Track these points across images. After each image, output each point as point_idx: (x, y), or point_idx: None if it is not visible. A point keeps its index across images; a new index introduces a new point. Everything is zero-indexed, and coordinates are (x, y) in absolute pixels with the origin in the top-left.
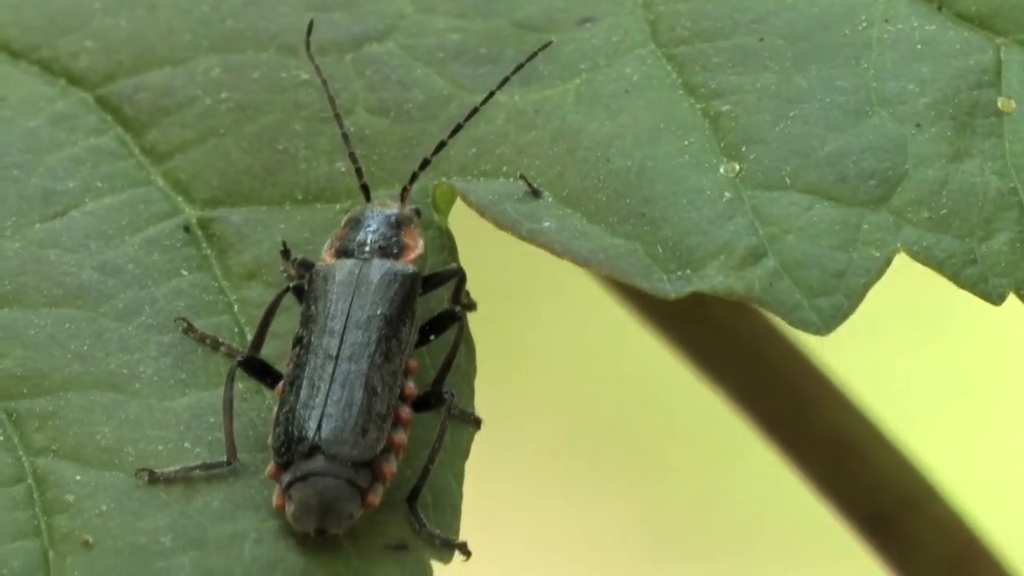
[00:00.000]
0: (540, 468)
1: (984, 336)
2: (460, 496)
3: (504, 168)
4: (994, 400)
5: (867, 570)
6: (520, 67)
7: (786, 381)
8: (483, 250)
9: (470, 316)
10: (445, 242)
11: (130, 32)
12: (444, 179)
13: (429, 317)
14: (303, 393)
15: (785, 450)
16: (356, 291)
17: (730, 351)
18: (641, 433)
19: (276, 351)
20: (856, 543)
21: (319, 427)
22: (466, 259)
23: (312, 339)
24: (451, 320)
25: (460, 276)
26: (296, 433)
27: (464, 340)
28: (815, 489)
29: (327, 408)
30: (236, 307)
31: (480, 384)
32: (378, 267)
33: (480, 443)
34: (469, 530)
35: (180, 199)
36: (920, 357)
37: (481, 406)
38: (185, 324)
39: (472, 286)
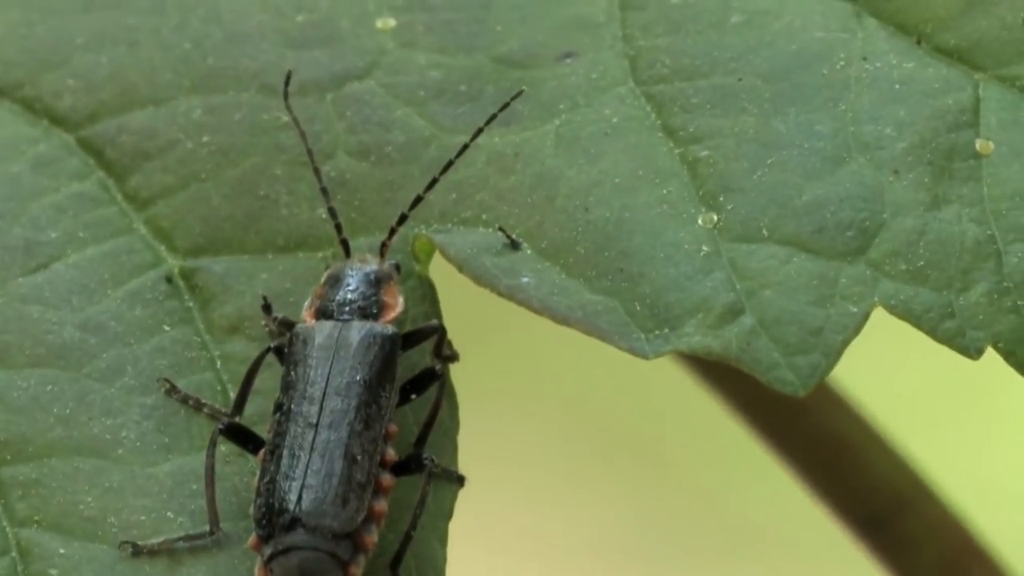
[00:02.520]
0: (538, 469)
1: None
2: (444, 559)
3: (483, 216)
4: (990, 402)
5: (863, 570)
6: (494, 116)
7: None
8: None
9: (468, 321)
10: (426, 292)
11: (112, 70)
12: (424, 227)
13: (411, 374)
14: (283, 463)
15: (782, 452)
16: (335, 355)
17: None
18: (639, 436)
19: (259, 409)
20: (852, 544)
21: (299, 499)
22: (456, 273)
23: (292, 406)
24: (432, 379)
25: (441, 332)
26: (276, 505)
27: (446, 396)
28: (812, 490)
29: (307, 479)
30: (219, 363)
31: (480, 385)
32: (357, 330)
33: (479, 444)
34: (470, 530)
35: (162, 248)
36: (916, 359)
37: (481, 406)
38: (168, 385)
39: (471, 288)
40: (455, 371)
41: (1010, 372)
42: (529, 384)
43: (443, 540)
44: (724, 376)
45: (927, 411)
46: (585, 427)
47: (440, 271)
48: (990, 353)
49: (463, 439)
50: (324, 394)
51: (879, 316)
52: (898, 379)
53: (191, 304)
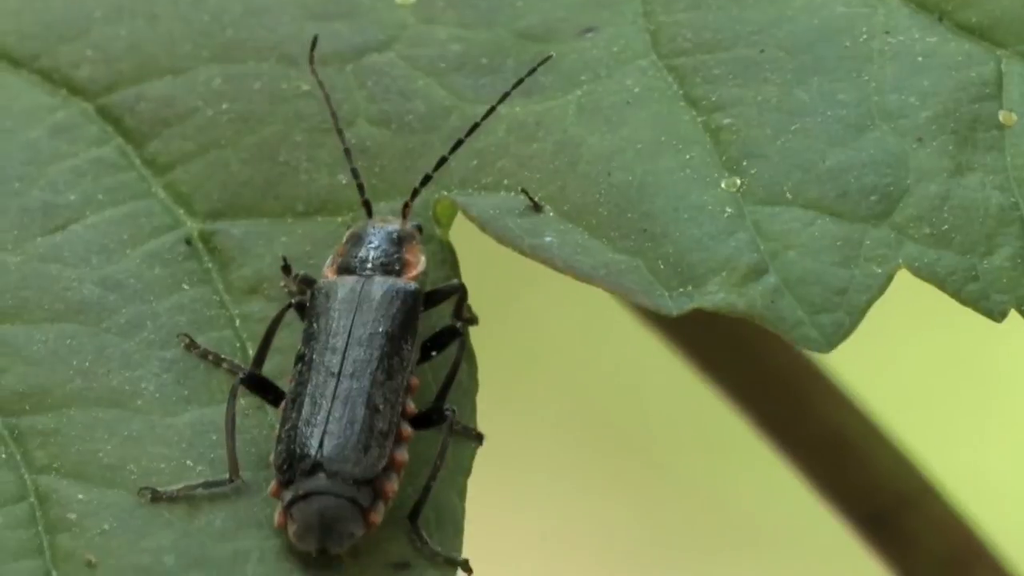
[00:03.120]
0: (538, 468)
1: (983, 334)
2: (462, 513)
3: (505, 181)
4: (992, 398)
5: (866, 569)
6: (520, 82)
7: (785, 380)
8: (486, 251)
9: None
10: (447, 256)
11: (131, 42)
12: (445, 193)
13: (431, 333)
14: (305, 411)
15: (784, 449)
16: (358, 308)
17: (729, 350)
18: (640, 433)
19: (278, 367)
20: (855, 542)
21: (321, 444)
22: (470, 260)
23: (314, 356)
24: (453, 336)
25: (462, 292)
26: (298, 451)
27: (466, 356)
28: (814, 488)
29: (329, 426)
30: (238, 322)
31: (481, 386)
32: (380, 284)
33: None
34: (469, 530)
35: (181, 212)
36: (919, 355)
37: (482, 407)
38: (187, 340)
39: (475, 287)
40: None
41: (1014, 369)
42: (529, 384)
43: (462, 495)
44: (727, 372)
45: (930, 408)
46: (585, 425)
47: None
48: (994, 350)
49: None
50: (347, 344)
51: (882, 314)
52: (901, 376)
53: (210, 265)
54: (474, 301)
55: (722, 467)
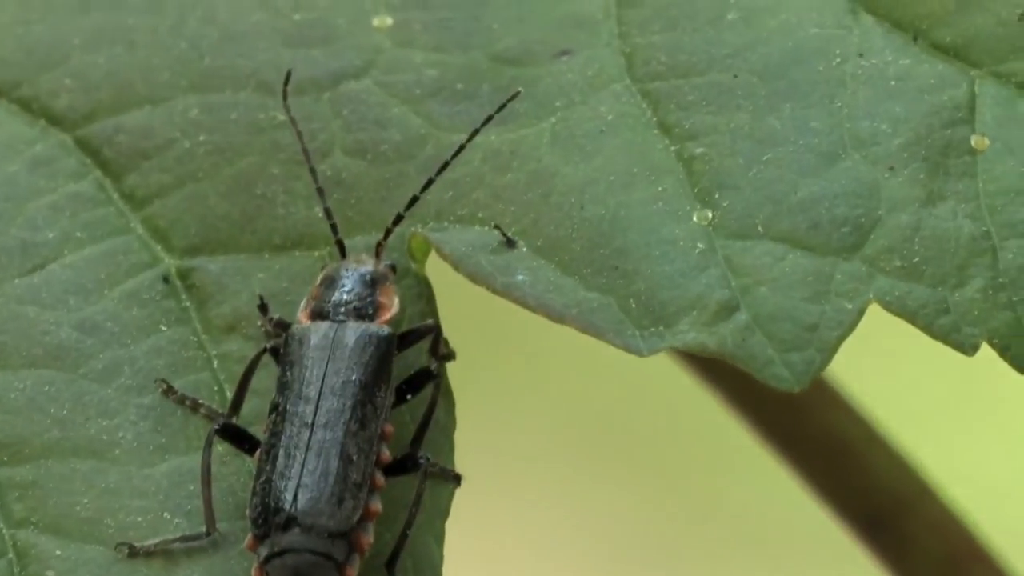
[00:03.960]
0: (535, 469)
1: None
2: (440, 558)
3: (480, 214)
4: (990, 401)
5: (864, 571)
6: (490, 117)
7: None
8: None
9: (469, 324)
10: (423, 291)
11: (109, 69)
12: (420, 226)
13: (407, 374)
14: (279, 463)
15: (782, 452)
16: (331, 356)
17: None
18: (639, 436)
19: (256, 409)
20: (853, 544)
21: (295, 498)
22: (453, 273)
23: (288, 406)
24: (428, 378)
25: (437, 331)
26: (272, 504)
27: (443, 395)
28: (813, 491)
29: (303, 479)
30: (216, 363)
31: (477, 385)
32: (353, 331)
33: (477, 445)
34: (470, 531)
35: (159, 248)
36: (916, 359)
37: (481, 408)
38: (164, 386)
39: (468, 287)
40: (452, 371)
41: (1010, 371)
42: (527, 385)
43: (439, 539)
44: (725, 376)
45: (928, 411)
46: (584, 428)
47: (437, 270)
48: (990, 352)
49: (460, 439)
50: (320, 394)
51: (879, 316)
52: (899, 379)
53: (188, 304)
54: (473, 302)
55: (722, 471)
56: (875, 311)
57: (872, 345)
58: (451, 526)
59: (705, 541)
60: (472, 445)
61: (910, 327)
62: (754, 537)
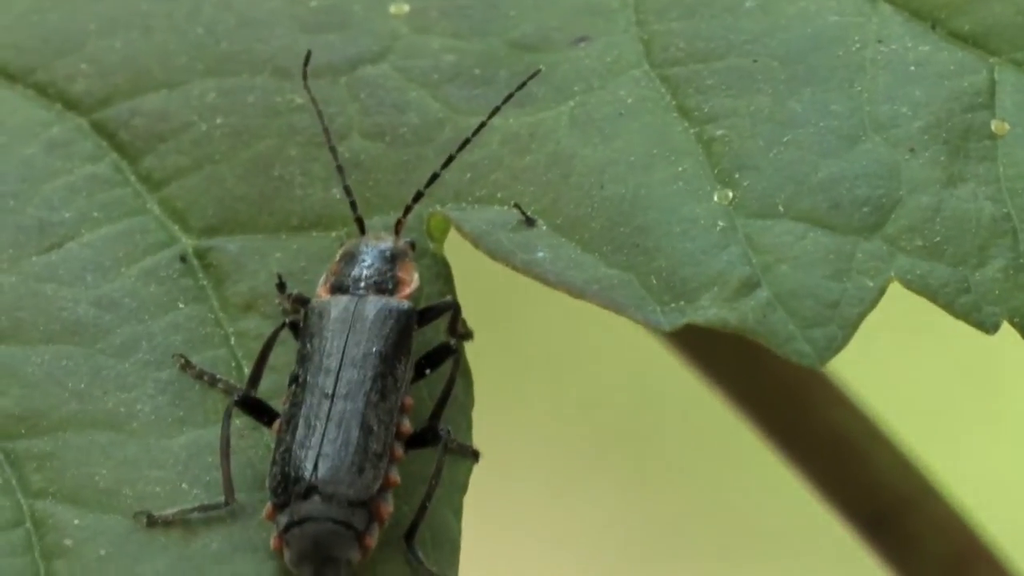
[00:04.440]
0: (538, 470)
1: (984, 336)
2: (459, 532)
3: (499, 194)
4: (994, 399)
5: (867, 570)
6: (510, 96)
7: (786, 381)
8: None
9: (476, 320)
10: (441, 270)
11: (125, 55)
12: (439, 206)
13: (425, 350)
14: (299, 432)
15: (785, 450)
16: (351, 328)
17: (731, 353)
18: (641, 434)
19: (274, 385)
20: (856, 543)
21: (315, 467)
22: (469, 261)
23: (308, 377)
24: (447, 354)
25: (455, 309)
26: (292, 473)
27: (461, 372)
28: (815, 489)
29: (323, 448)
30: (233, 340)
31: (487, 386)
32: (373, 304)
33: (486, 446)
34: (469, 531)
35: (176, 228)
36: (919, 356)
37: (487, 408)
38: (182, 360)
39: (474, 289)
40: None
41: (1014, 370)
42: (531, 383)
43: (458, 513)
44: (728, 374)
45: (931, 409)
46: (588, 425)
47: (454, 255)
48: (995, 351)
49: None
50: (340, 365)
51: (883, 313)
52: (902, 377)
53: (205, 282)
54: (477, 302)
55: (724, 469)
56: (878, 310)
57: (875, 343)
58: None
59: (707, 538)
60: (476, 427)
61: (915, 325)
62: (757, 535)
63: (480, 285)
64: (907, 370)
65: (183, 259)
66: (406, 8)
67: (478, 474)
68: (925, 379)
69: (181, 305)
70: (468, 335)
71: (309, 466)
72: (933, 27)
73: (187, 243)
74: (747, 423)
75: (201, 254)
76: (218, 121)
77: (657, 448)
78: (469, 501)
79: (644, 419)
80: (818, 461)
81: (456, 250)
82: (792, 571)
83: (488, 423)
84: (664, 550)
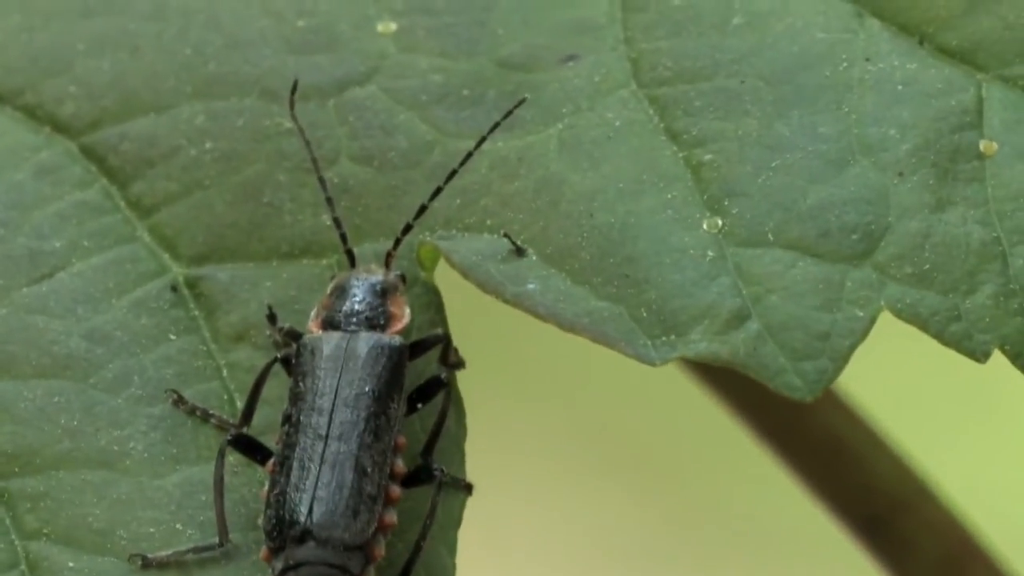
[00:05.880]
0: (541, 472)
1: None
2: (453, 567)
3: (488, 221)
4: (989, 401)
5: (862, 571)
6: (497, 125)
7: None
8: None
9: (474, 326)
10: (432, 299)
11: (113, 76)
12: (428, 234)
13: (416, 383)
14: (293, 475)
15: (781, 452)
16: (344, 367)
17: None
18: (638, 437)
19: (267, 418)
20: (851, 544)
21: (310, 511)
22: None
23: (301, 417)
24: (438, 387)
25: (446, 340)
26: (287, 517)
27: (453, 403)
28: (811, 491)
29: (318, 491)
30: (225, 372)
31: (481, 386)
32: (365, 341)
33: (479, 446)
34: (473, 532)
35: (166, 256)
36: (916, 360)
37: (482, 408)
38: (175, 396)
39: (477, 293)
40: (461, 377)
41: (1009, 372)
42: (533, 387)
43: (452, 549)
44: (724, 378)
45: (926, 411)
46: (588, 430)
47: (446, 276)
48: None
49: (468, 443)
50: (333, 406)
51: (881, 320)
52: (897, 379)
53: (196, 313)
54: (474, 306)
55: (720, 470)
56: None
57: (871, 346)
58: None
59: (704, 541)
60: (475, 450)
61: (909, 328)
62: (753, 537)
63: (471, 298)
64: (903, 374)
65: (174, 289)
66: (393, 27)
67: (478, 469)
68: (921, 383)
69: (172, 337)
70: (459, 364)
71: (304, 510)
72: (921, 43)
73: (177, 272)
74: (743, 426)
75: (192, 283)
76: (207, 146)
77: (653, 453)
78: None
79: (641, 424)
80: (814, 464)
81: (447, 270)
82: (787, 572)
83: (481, 440)
84: (660, 553)
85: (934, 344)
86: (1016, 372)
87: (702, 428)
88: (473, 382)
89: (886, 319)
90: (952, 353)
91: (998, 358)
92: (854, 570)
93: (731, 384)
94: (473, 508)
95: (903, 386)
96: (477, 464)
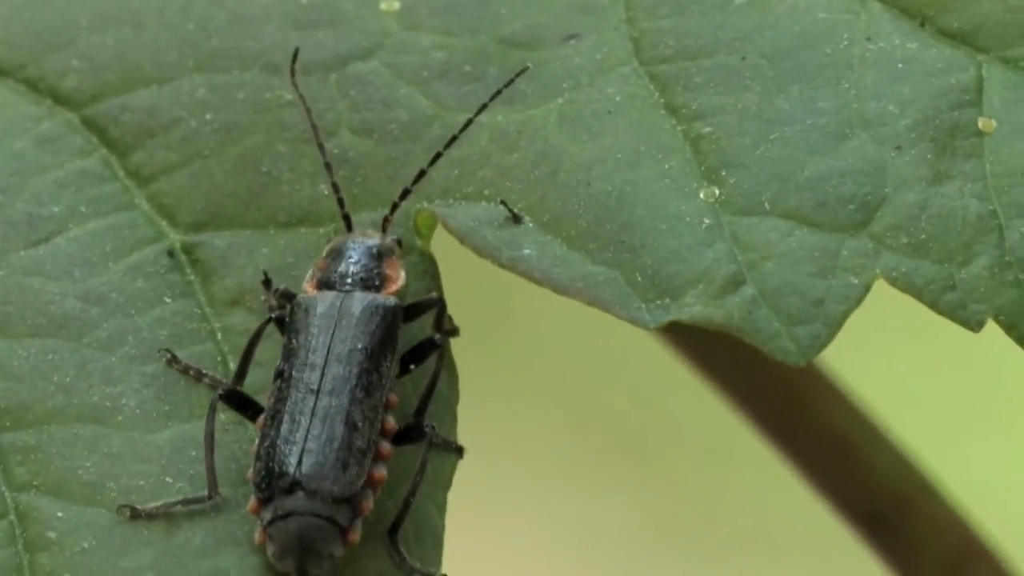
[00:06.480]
0: (535, 465)
1: (982, 334)
2: (442, 527)
3: (486, 191)
4: (992, 399)
5: (866, 569)
6: (498, 93)
7: (785, 380)
8: None
9: (468, 323)
10: (428, 267)
11: (116, 50)
12: (426, 203)
13: (410, 345)
14: (284, 428)
15: (784, 450)
16: (337, 324)
17: (729, 351)
18: (640, 433)
19: (259, 380)
20: (855, 542)
21: (299, 463)
22: (465, 259)
23: (293, 373)
24: (432, 349)
25: (440, 304)
26: (276, 468)
27: (446, 367)
28: (814, 488)
29: (307, 443)
30: (219, 335)
31: (477, 380)
32: (360, 300)
33: (476, 439)
34: (470, 530)
35: (164, 223)
36: (919, 356)
37: (481, 408)
38: (168, 355)
39: (470, 287)
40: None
41: (1012, 368)
42: (527, 380)
43: (441, 508)
44: (726, 373)
45: (930, 408)
46: (584, 424)
47: (441, 251)
48: (992, 349)
49: (460, 433)
50: (326, 361)
51: (881, 313)
52: (901, 376)
53: (192, 277)
54: (469, 297)
55: (722, 468)
56: (877, 309)
57: (874, 342)
58: (446, 521)
59: (706, 538)
60: (468, 440)
61: (912, 324)
62: (755, 534)
63: (468, 280)
64: (906, 370)
65: (171, 254)
66: (396, 5)
67: (463, 469)
68: (924, 379)
69: (168, 300)
70: (454, 331)
71: (293, 461)
72: (922, 24)
73: (175, 238)
74: (746, 423)
75: (189, 249)
76: (207, 117)
77: (653, 448)
78: (454, 497)
79: (640, 419)
80: (817, 461)
81: (444, 245)
82: (790, 570)
83: (474, 431)
84: (660, 548)
85: (939, 341)
86: (1021, 371)
87: (703, 424)
88: (463, 372)
89: (895, 320)
90: (957, 351)
91: (1001, 358)
92: (857, 567)
93: (734, 380)
94: (462, 501)
95: (907, 382)
96: (467, 455)
